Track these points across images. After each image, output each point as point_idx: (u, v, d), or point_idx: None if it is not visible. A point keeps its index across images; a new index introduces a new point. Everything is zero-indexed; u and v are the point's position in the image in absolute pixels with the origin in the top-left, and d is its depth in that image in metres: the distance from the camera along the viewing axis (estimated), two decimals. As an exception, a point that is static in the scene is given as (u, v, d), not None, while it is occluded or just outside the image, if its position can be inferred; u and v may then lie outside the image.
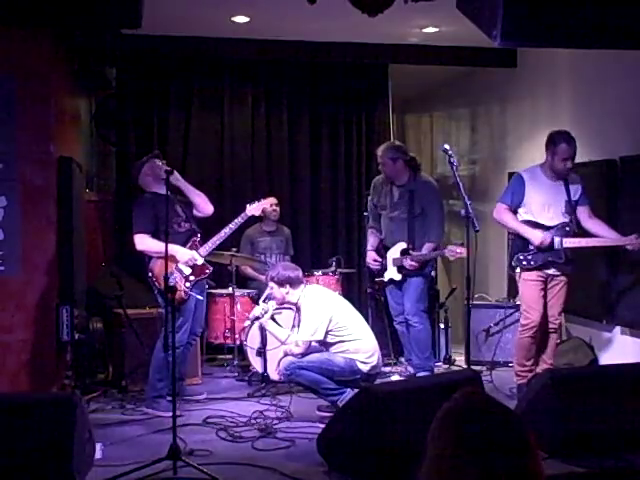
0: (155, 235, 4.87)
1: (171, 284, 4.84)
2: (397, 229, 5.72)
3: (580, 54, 5.76)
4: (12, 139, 4.83)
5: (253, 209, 5.35)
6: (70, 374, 5.18)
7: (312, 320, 4.71)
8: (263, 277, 6.43)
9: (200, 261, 5.04)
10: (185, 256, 4.98)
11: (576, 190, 5.08)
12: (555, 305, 5.17)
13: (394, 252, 5.71)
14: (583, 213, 5.10)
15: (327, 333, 4.71)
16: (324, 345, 4.78)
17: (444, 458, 1.41)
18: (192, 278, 5.00)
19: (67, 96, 5.79)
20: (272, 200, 5.51)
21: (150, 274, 4.96)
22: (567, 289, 5.16)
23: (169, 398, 4.82)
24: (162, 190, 4.52)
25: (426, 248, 5.58)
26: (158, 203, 4.74)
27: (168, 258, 4.55)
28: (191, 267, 4.99)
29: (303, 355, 4.73)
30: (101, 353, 5.75)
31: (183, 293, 4.93)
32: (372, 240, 5.99)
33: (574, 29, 3.68)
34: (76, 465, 3.41)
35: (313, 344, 4.78)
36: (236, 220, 5.30)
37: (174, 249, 4.89)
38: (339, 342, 4.73)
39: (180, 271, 4.97)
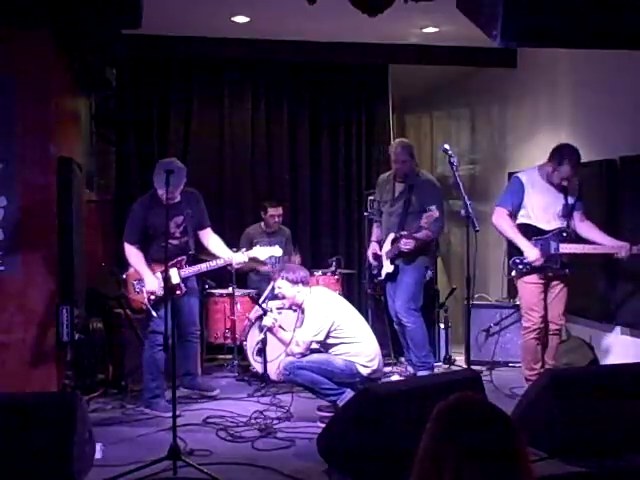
0: (144, 242, 5.01)
1: (137, 292, 5.00)
2: (394, 224, 5.73)
3: (580, 54, 5.76)
4: (12, 139, 4.82)
5: (239, 257, 5.18)
6: (70, 374, 5.18)
7: (315, 321, 4.71)
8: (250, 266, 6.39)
9: (176, 280, 5.00)
10: (150, 285, 4.94)
11: (573, 196, 5.12)
12: (556, 307, 5.18)
13: (386, 245, 5.74)
14: (576, 217, 5.14)
15: (328, 334, 4.71)
16: (324, 346, 4.78)
17: (432, 454, 1.42)
18: (159, 294, 4.88)
19: (67, 96, 5.78)
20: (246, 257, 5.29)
21: (124, 276, 5.14)
22: (567, 290, 5.17)
23: (168, 398, 4.84)
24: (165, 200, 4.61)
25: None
26: (153, 210, 4.88)
27: (137, 273, 4.93)
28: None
29: (303, 355, 4.73)
30: (101, 353, 5.75)
31: (143, 305, 4.99)
32: (376, 232, 6.04)
33: (574, 29, 3.68)
34: (76, 465, 3.41)
35: (314, 345, 4.78)
36: (218, 261, 5.15)
37: (144, 273, 4.95)
38: (340, 344, 4.72)
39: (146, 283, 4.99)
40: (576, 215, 5.14)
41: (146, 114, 6.95)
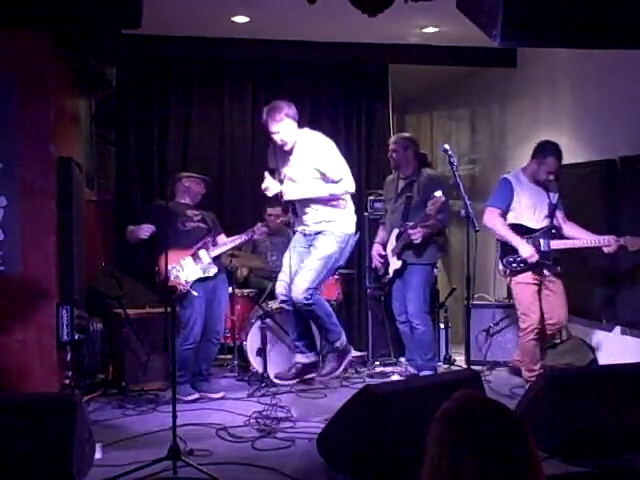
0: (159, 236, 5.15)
1: (171, 278, 5.11)
2: (397, 220, 5.73)
3: (580, 54, 5.76)
4: (12, 139, 4.82)
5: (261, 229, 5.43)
6: (70, 374, 5.18)
7: (335, 157, 4.94)
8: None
9: (207, 261, 5.25)
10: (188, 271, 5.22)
11: (554, 195, 5.22)
12: (557, 306, 5.19)
13: (391, 242, 5.73)
14: (559, 216, 5.23)
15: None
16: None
17: (443, 458, 1.41)
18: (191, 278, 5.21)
19: (67, 96, 5.79)
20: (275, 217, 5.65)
21: (156, 268, 5.19)
22: (565, 289, 5.18)
23: (187, 387, 5.26)
24: (183, 200, 5.41)
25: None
26: (166, 210, 5.02)
27: (170, 255, 4.90)
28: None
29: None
30: (101, 353, 5.75)
31: (181, 287, 5.15)
32: (381, 234, 6.02)
33: (574, 29, 3.68)
34: (76, 465, 3.40)
35: (316, 176, 4.92)
36: (246, 233, 5.42)
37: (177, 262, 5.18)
38: None
39: (181, 266, 5.19)
40: (559, 214, 5.23)
41: (146, 114, 6.95)
